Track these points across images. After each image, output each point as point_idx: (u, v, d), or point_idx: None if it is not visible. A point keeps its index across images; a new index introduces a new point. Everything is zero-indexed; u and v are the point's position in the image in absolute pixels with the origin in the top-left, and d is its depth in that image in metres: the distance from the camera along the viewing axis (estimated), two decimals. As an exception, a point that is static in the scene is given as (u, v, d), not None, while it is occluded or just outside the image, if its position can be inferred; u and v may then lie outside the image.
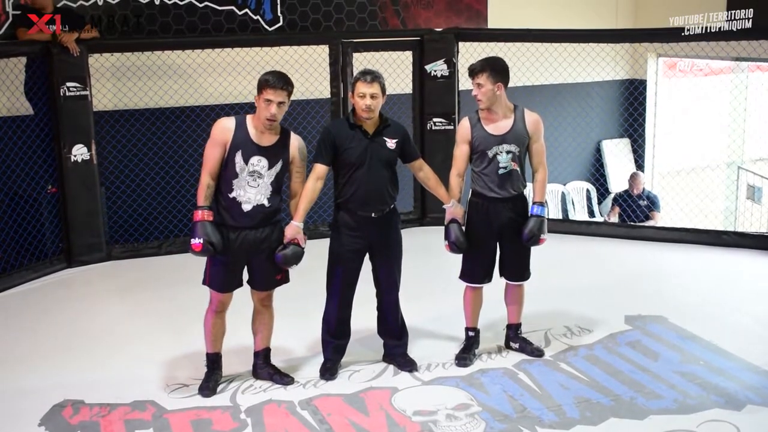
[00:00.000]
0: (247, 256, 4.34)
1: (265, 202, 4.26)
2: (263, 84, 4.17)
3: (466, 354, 4.83)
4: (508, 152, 4.57)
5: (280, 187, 4.34)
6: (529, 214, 4.66)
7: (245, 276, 4.46)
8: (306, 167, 4.43)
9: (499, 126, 4.58)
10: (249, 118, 4.26)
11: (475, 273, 4.75)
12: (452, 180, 4.68)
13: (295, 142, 4.35)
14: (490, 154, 4.58)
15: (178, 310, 5.66)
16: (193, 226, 4.18)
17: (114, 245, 7.04)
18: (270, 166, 4.24)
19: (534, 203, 4.68)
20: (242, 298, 4.52)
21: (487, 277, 4.77)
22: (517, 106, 4.65)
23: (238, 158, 4.19)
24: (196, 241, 4.14)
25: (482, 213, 4.65)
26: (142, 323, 5.54)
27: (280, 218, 4.40)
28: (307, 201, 4.40)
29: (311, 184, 4.41)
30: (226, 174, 4.22)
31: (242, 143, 4.20)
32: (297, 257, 4.38)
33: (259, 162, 4.22)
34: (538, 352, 4.87)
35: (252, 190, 4.23)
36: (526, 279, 4.83)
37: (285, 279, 4.50)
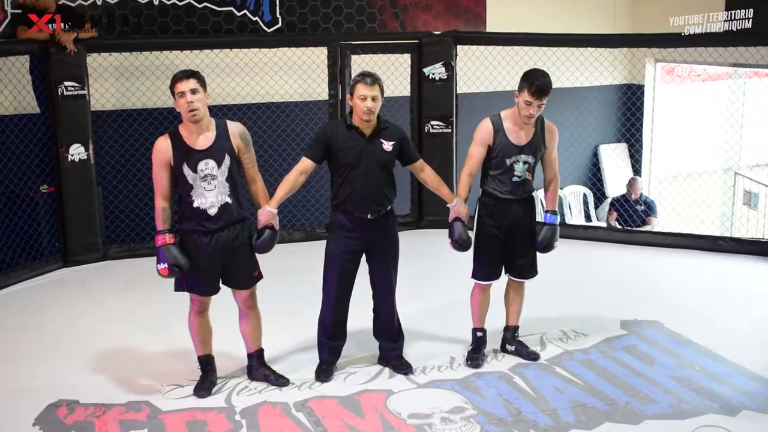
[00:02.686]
0: (222, 257, 4.32)
1: (228, 200, 4.25)
2: (171, 84, 4.19)
3: (477, 354, 4.83)
4: (525, 163, 4.57)
5: (237, 181, 4.31)
6: (543, 222, 4.67)
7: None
8: (253, 150, 4.39)
9: (521, 136, 4.56)
10: (180, 128, 4.25)
11: (486, 270, 4.73)
12: (463, 178, 4.65)
13: (234, 129, 4.32)
14: (508, 162, 4.56)
15: (173, 311, 5.62)
16: (157, 252, 4.20)
17: (110, 245, 7.03)
18: (219, 164, 4.22)
19: (546, 212, 4.69)
20: (233, 298, 4.52)
21: (496, 275, 4.77)
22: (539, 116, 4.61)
23: (187, 170, 4.18)
24: (162, 266, 4.18)
25: (493, 213, 4.64)
26: (137, 323, 5.53)
27: (247, 215, 4.38)
28: (285, 189, 4.39)
29: (293, 176, 4.41)
30: (182, 189, 4.22)
31: (184, 155, 4.18)
32: (273, 240, 4.39)
33: (207, 165, 4.19)
34: (533, 356, 4.87)
35: (211, 194, 4.21)
36: (533, 276, 4.80)
37: (260, 275, 4.49)
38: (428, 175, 4.65)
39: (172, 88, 4.19)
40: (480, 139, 4.60)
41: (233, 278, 4.41)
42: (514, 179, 4.58)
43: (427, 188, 4.73)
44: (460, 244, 4.60)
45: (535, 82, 4.41)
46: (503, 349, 4.96)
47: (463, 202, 4.62)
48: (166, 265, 4.16)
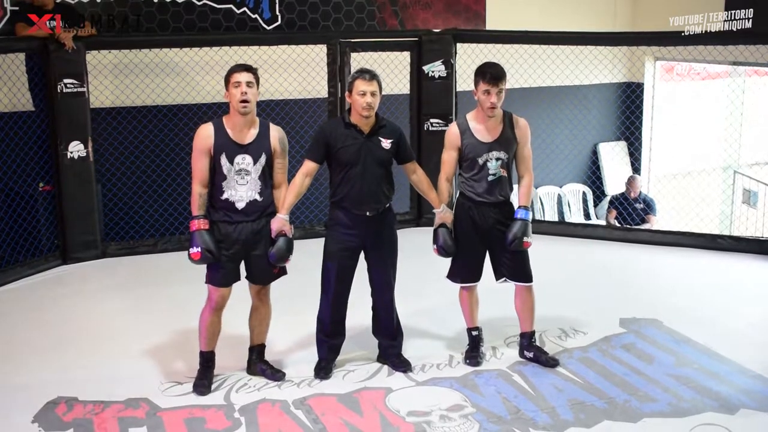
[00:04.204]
0: (244, 248, 4.37)
1: (257, 197, 4.33)
2: (228, 74, 4.28)
3: (476, 353, 4.82)
4: (497, 159, 4.57)
5: (270, 180, 4.39)
6: (514, 218, 4.63)
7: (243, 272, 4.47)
8: (287, 158, 4.47)
9: (489, 133, 4.58)
10: (225, 119, 4.33)
11: (460, 273, 4.75)
12: (441, 185, 4.68)
13: (275, 133, 4.40)
14: (481, 161, 4.58)
15: (172, 308, 5.65)
16: (191, 236, 4.28)
17: (109, 242, 7.03)
18: (255, 162, 4.31)
19: (519, 207, 4.65)
20: (237, 293, 4.51)
21: (474, 278, 4.76)
22: (506, 112, 4.63)
23: (224, 160, 4.27)
24: (194, 250, 4.25)
25: (469, 215, 4.65)
26: (136, 321, 5.53)
27: (276, 210, 4.43)
28: (293, 195, 4.43)
29: (299, 180, 4.44)
30: (215, 178, 4.30)
31: (224, 146, 4.27)
32: (289, 248, 4.40)
33: (243, 160, 4.29)
34: (552, 362, 4.77)
35: (242, 188, 4.29)
36: (531, 280, 4.74)
37: (283, 272, 4.52)
38: (420, 177, 4.67)
39: (228, 77, 4.27)
40: (449, 143, 4.66)
41: (253, 272, 4.47)
42: (490, 178, 4.58)
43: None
44: (445, 250, 4.64)
45: (488, 71, 4.50)
46: (522, 356, 4.87)
47: (447, 207, 4.65)
48: (199, 250, 4.23)
